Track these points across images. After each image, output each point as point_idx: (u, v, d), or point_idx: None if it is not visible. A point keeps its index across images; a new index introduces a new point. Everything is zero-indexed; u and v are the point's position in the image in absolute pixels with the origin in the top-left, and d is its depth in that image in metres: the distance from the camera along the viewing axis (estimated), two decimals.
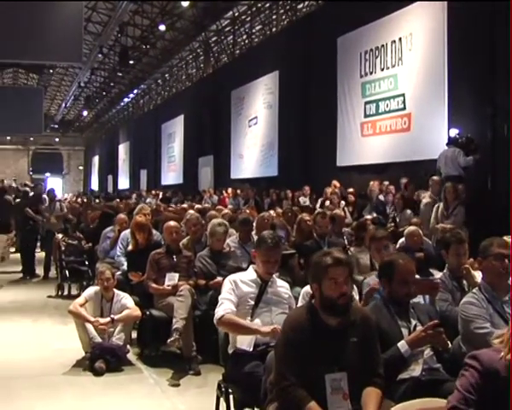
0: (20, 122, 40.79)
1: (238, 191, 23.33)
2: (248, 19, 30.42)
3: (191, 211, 14.14)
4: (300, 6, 26.14)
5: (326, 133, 20.38)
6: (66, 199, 34.74)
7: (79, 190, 57.64)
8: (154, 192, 31.86)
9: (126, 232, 10.81)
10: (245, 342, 5.39)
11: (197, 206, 17.89)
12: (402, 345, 4.63)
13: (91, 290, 8.74)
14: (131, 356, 8.66)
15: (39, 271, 16.77)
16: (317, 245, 9.50)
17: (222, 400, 5.67)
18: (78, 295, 11.62)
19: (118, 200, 25.39)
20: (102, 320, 8.28)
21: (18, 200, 19.49)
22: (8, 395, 7.18)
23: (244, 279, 5.69)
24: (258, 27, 30.76)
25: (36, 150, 67.26)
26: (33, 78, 48.40)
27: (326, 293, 4.15)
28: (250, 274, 5.75)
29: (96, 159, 63.44)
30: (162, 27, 30.32)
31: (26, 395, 7.23)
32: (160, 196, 28.30)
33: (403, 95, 17.01)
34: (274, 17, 28.34)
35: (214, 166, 30.85)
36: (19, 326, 10.94)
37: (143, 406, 6.98)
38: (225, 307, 5.51)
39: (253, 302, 5.58)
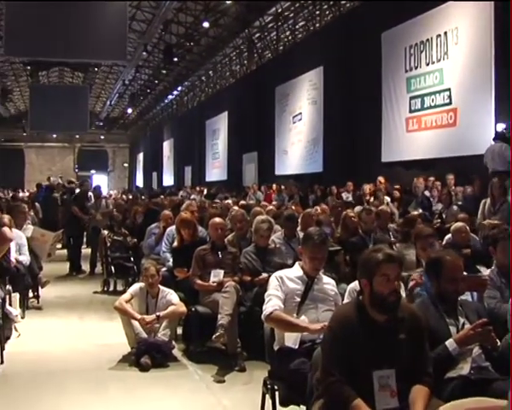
0: (66, 120, 41.64)
1: (282, 187, 23.30)
2: (292, 15, 30.34)
3: (235, 207, 14.19)
4: (344, 1, 25.99)
5: (371, 129, 20.27)
6: (111, 196, 34.98)
7: (124, 187, 58.06)
8: (198, 189, 31.95)
9: (172, 228, 10.84)
10: (291, 339, 5.37)
11: (241, 202, 17.91)
12: (450, 343, 4.57)
13: (137, 287, 8.78)
14: (177, 352, 8.69)
15: (85, 267, 16.92)
16: (362, 242, 9.45)
17: (267, 396, 5.64)
18: (123, 291, 11.74)
19: (162, 196, 25.51)
20: (148, 318, 8.32)
21: (64, 197, 19.73)
22: (58, 389, 7.27)
23: (290, 276, 5.67)
24: (301, 23, 30.66)
25: (81, 148, 67.96)
26: (78, 76, 48.87)
27: (377, 289, 4.11)
28: (296, 271, 5.72)
29: (140, 156, 63.86)
30: (206, 24, 30.41)
31: (76, 388, 7.32)
32: (205, 193, 28.36)
33: (448, 89, 16.83)
34: (317, 13, 28.22)
35: (258, 163, 30.86)
36: (65, 322, 11.04)
37: (189, 401, 7.00)
38: (273, 303, 5.48)
39: (299, 299, 5.55)
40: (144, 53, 34.48)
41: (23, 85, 51.09)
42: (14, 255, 10.24)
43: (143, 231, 12.80)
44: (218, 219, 9.19)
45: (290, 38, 31.57)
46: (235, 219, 10.15)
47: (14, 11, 24.96)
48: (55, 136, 64.05)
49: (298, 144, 26.35)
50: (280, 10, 30.26)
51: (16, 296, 9.89)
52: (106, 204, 17.74)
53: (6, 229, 6.00)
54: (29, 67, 41.63)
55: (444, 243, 9.30)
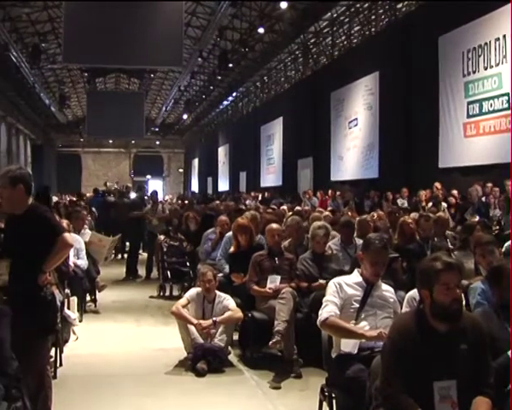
0: (123, 126, 42.13)
1: (337, 193, 23.21)
2: (347, 20, 30.19)
3: (289, 213, 14.18)
4: (400, 5, 25.77)
5: (427, 134, 20.07)
6: (166, 201, 35.26)
7: (179, 192, 58.44)
8: (253, 194, 32.00)
9: (229, 234, 10.85)
10: (349, 346, 5.33)
11: (297, 208, 17.89)
12: None
13: (193, 292, 8.81)
14: (233, 358, 8.71)
15: (141, 272, 17.07)
16: (420, 248, 9.37)
17: (325, 404, 5.60)
18: (179, 296, 11.84)
19: (218, 202, 25.60)
20: (205, 323, 8.35)
21: (124, 200, 19.96)
22: (114, 392, 7.36)
23: (349, 282, 5.63)
24: (356, 28, 30.48)
25: (137, 153, 68.63)
26: (135, 82, 49.32)
27: (438, 299, 4.04)
28: (355, 277, 5.68)
29: (195, 161, 64.17)
30: (261, 30, 30.42)
31: (132, 392, 7.41)
32: (260, 198, 28.39)
33: (507, 94, 16.56)
34: (373, 17, 28.04)
35: (314, 168, 30.78)
36: (122, 326, 11.15)
37: (245, 407, 7.02)
38: (329, 309, 5.45)
39: (357, 305, 5.51)
40: (199, 59, 34.71)
41: (80, 92, 51.80)
42: (72, 260, 10.38)
43: (199, 237, 12.85)
44: (274, 226, 9.18)
45: (345, 43, 31.39)
46: (292, 227, 10.12)
47: (72, 20, 25.32)
48: (111, 141, 64.84)
49: (353, 150, 26.22)
50: (335, 15, 30.14)
51: (74, 300, 10.00)
52: (162, 209, 17.85)
53: (67, 234, 6.04)
54: (86, 74, 42.14)
55: (503, 250, 9.14)
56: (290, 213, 15.08)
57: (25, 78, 38.40)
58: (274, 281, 8.44)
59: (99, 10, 24.96)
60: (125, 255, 18.46)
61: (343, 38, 31.69)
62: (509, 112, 16.49)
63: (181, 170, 70.40)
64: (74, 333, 9.67)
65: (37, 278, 5.74)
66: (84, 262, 11.13)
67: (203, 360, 8.05)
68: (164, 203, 21.59)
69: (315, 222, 9.44)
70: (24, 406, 5.19)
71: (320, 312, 5.52)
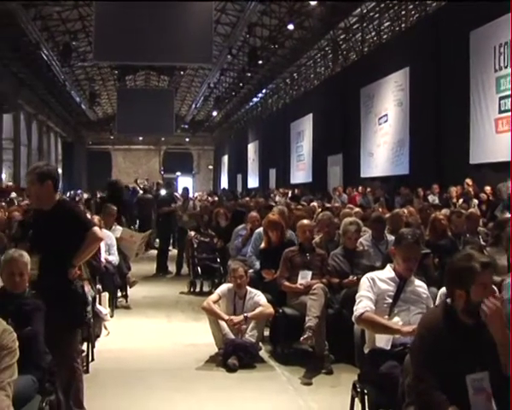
0: (153, 123, 42.29)
1: (368, 190, 23.13)
2: (377, 15, 30.03)
3: (319, 209, 14.14)
4: (430, 1, 25.59)
5: (458, 130, 19.89)
6: (196, 198, 35.37)
7: (209, 189, 58.57)
8: (281, 190, 31.97)
9: (260, 230, 10.86)
10: (382, 341, 5.29)
11: (326, 205, 17.86)
12: None
13: (224, 287, 8.84)
14: (263, 353, 8.72)
15: (172, 268, 17.13)
16: (452, 245, 9.29)
17: (357, 400, 5.58)
18: (209, 292, 11.89)
19: (247, 198, 25.63)
20: (236, 319, 8.37)
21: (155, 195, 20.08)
22: (146, 386, 7.40)
23: (382, 277, 5.60)
24: (386, 24, 30.31)
25: (167, 150, 68.82)
26: (164, 80, 49.47)
27: (475, 298, 4.01)
28: (388, 272, 5.65)
29: (225, 158, 64.24)
30: (291, 27, 30.36)
31: (163, 386, 7.45)
32: (289, 195, 28.36)
33: None
34: (403, 13, 27.87)
35: (343, 165, 30.70)
36: (153, 321, 11.22)
37: (276, 402, 7.01)
38: (364, 304, 5.43)
39: (390, 301, 5.49)
40: (229, 56, 34.69)
41: (110, 89, 52.10)
42: (103, 255, 10.46)
43: (230, 233, 12.86)
44: (306, 221, 9.18)
45: (375, 38, 31.25)
46: (323, 222, 10.11)
47: (102, 18, 25.47)
48: (141, 139, 65.10)
49: (383, 146, 26.09)
50: (365, 11, 30.01)
51: (106, 296, 10.09)
52: (193, 206, 17.89)
53: (97, 228, 6.10)
54: (116, 72, 42.36)
55: None
56: (320, 209, 15.06)
57: (56, 76, 38.65)
58: (305, 277, 8.44)
59: (129, 8, 25.08)
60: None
61: (373, 33, 31.54)
62: None
63: (210, 167, 70.53)
64: (106, 328, 9.74)
65: (67, 272, 5.80)
66: (115, 258, 11.21)
67: (234, 356, 8.07)
68: (195, 200, 21.57)
69: (346, 218, 9.42)
70: (57, 399, 5.25)
71: (355, 307, 5.50)
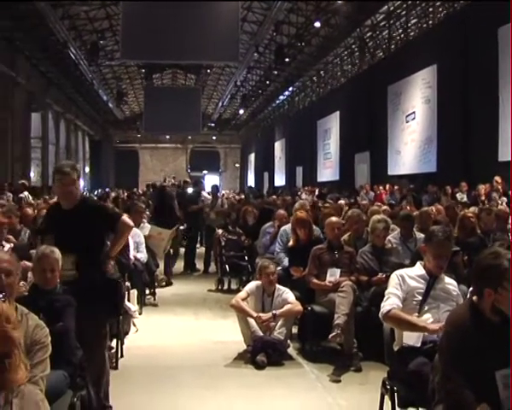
0: (180, 121, 42.40)
1: (395, 187, 23.04)
2: (404, 13, 29.91)
3: (347, 207, 14.11)
4: None
5: (487, 127, 19.74)
6: (223, 195, 35.40)
7: (236, 187, 58.70)
8: (307, 188, 31.95)
9: (285, 228, 10.88)
10: (412, 339, 5.27)
11: (353, 202, 17.81)
12: None
13: (253, 285, 8.85)
14: (292, 351, 8.73)
15: (199, 265, 17.18)
16: (481, 242, 9.23)
17: (386, 397, 5.54)
18: (237, 290, 11.91)
19: (274, 196, 25.63)
20: (264, 316, 8.38)
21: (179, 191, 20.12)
22: (174, 383, 7.44)
23: (411, 274, 5.57)
24: (413, 21, 30.18)
25: (194, 149, 69.00)
26: (191, 78, 49.56)
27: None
28: (418, 269, 5.61)
29: (252, 156, 64.29)
30: (317, 24, 30.30)
31: (192, 383, 7.48)
32: (316, 193, 28.33)
33: None
34: (430, 10, 27.73)
35: (371, 163, 30.61)
36: (181, 318, 11.27)
37: (305, 400, 7.01)
38: (392, 302, 5.40)
39: (420, 298, 5.45)
40: (256, 54, 34.71)
41: (137, 88, 52.28)
42: (132, 253, 10.51)
43: (257, 231, 12.88)
44: (334, 219, 9.18)
45: (402, 36, 31.11)
46: (352, 219, 10.06)
47: (130, 16, 25.60)
48: (168, 137, 65.30)
49: (411, 144, 25.98)
50: (392, 8, 29.89)
51: (134, 293, 10.16)
52: (221, 203, 17.90)
53: (125, 217, 6.20)
54: (143, 70, 42.53)
55: None
56: (347, 207, 15.04)
57: (83, 75, 38.93)
58: (334, 274, 8.44)
59: (156, 6, 25.18)
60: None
61: (400, 31, 31.41)
62: None
63: (237, 165, 70.60)
64: (134, 325, 9.79)
65: (103, 266, 5.88)
66: (143, 256, 11.28)
67: (263, 353, 8.08)
68: (223, 198, 21.54)
69: (374, 215, 9.40)
70: (88, 394, 5.30)
71: (382, 304, 5.47)
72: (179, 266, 17.15)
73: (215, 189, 18.80)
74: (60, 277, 5.57)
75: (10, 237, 9.64)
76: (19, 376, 2.81)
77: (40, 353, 4.03)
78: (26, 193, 20.17)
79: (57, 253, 5.45)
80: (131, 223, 6.37)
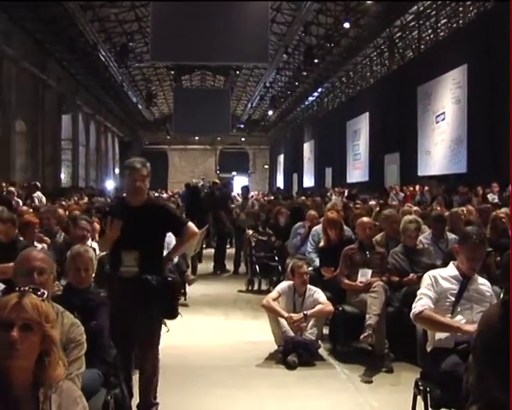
0: (209, 123, 42.54)
1: (425, 188, 22.93)
2: (434, 13, 29.78)
3: (377, 208, 14.05)
4: None
5: None
6: (252, 196, 35.44)
7: (265, 189, 58.74)
8: (338, 190, 31.88)
9: (317, 228, 10.87)
10: (445, 339, 5.25)
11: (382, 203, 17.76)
12: None
13: (284, 285, 8.86)
14: (323, 351, 8.70)
15: (229, 266, 17.20)
16: None
17: (419, 398, 5.51)
18: (268, 291, 11.92)
19: (304, 197, 25.61)
20: (295, 316, 8.37)
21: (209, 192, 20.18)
22: (206, 383, 7.44)
23: (444, 275, 5.53)
24: (443, 21, 30.04)
25: (223, 150, 69.16)
26: (220, 79, 49.73)
27: None
28: (450, 270, 5.57)
29: (281, 157, 64.31)
30: (347, 25, 30.25)
31: (224, 383, 7.49)
32: (346, 194, 28.27)
33: None
34: (460, 9, 27.57)
35: (400, 163, 30.49)
36: (212, 319, 11.28)
37: (337, 400, 6.99)
38: (423, 302, 5.36)
39: (453, 299, 5.41)
40: (285, 55, 34.70)
41: (167, 90, 52.57)
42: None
43: (288, 231, 12.88)
44: (366, 219, 9.15)
45: (432, 36, 30.99)
46: (391, 219, 9.91)
47: (159, 18, 25.71)
48: (197, 138, 65.53)
49: (441, 144, 25.86)
50: (421, 8, 29.78)
51: None
52: (252, 204, 17.91)
53: (192, 224, 6.28)
54: (172, 72, 42.69)
55: None
56: (378, 208, 14.99)
57: (113, 77, 39.19)
58: (365, 275, 8.40)
59: (185, 8, 25.26)
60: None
61: (430, 31, 31.30)
62: None
63: (266, 166, 70.65)
64: (166, 325, 9.79)
65: (162, 266, 5.96)
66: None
67: (294, 353, 8.07)
68: (253, 199, 21.56)
69: (406, 216, 9.36)
70: (122, 393, 5.33)
71: (414, 305, 5.45)
72: (209, 266, 17.23)
73: (245, 190, 18.83)
74: (121, 273, 5.73)
75: (44, 237, 9.76)
76: (57, 372, 2.86)
77: (76, 350, 4.07)
78: (38, 193, 20.23)
79: (91, 252, 5.51)
80: (197, 230, 6.44)
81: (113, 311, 5.57)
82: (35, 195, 19.58)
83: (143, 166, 6.03)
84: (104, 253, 7.64)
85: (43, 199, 19.92)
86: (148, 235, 5.89)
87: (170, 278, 6.01)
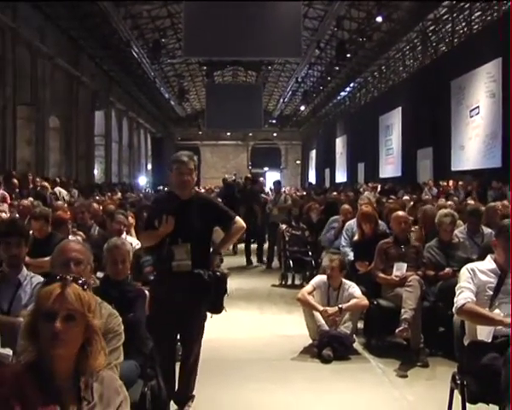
0: (241, 118, 42.60)
1: (459, 183, 22.76)
2: (467, 6, 29.50)
3: (411, 203, 13.97)
4: None
5: None
6: (284, 191, 35.45)
7: (297, 184, 58.71)
8: (370, 185, 31.76)
9: (351, 222, 10.85)
10: (483, 333, 5.20)
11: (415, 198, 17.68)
12: None
13: (319, 279, 8.87)
14: (357, 345, 8.71)
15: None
16: None
17: (456, 392, 5.45)
18: (301, 286, 11.94)
19: (335, 193, 25.56)
20: (330, 310, 8.37)
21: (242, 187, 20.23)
22: (242, 376, 7.51)
23: (482, 268, 5.47)
24: (477, 14, 29.76)
25: (255, 145, 69.18)
26: (252, 75, 49.73)
27: None
28: (488, 263, 5.51)
29: (313, 153, 64.17)
30: (379, 19, 30.09)
31: (259, 376, 7.53)
32: (379, 189, 28.15)
33: None
34: (494, 2, 27.29)
35: (434, 158, 30.28)
36: (246, 313, 11.30)
37: (372, 394, 6.98)
38: (465, 295, 5.30)
39: (491, 293, 5.35)
40: (317, 50, 34.61)
41: (199, 85, 52.73)
42: None
43: (321, 226, 12.90)
44: (401, 213, 9.12)
45: (466, 29, 30.70)
46: (429, 214, 9.79)
47: (192, 13, 25.78)
48: (229, 134, 65.61)
49: (475, 139, 25.62)
50: (454, 1, 29.51)
51: None
52: (285, 199, 17.89)
53: (239, 218, 6.34)
54: (205, 68, 42.78)
55: None
56: (412, 203, 14.94)
57: (145, 73, 39.38)
58: (400, 269, 8.36)
59: (218, 4, 25.31)
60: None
61: (463, 24, 31.00)
62: None
63: (298, 162, 70.54)
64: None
65: (210, 259, 6.01)
66: None
67: (329, 347, 8.09)
68: (286, 194, 21.52)
69: (441, 210, 9.29)
70: (158, 384, 5.36)
71: (455, 298, 5.37)
72: (242, 260, 17.37)
73: (277, 185, 18.83)
74: (173, 267, 5.81)
75: (78, 231, 9.85)
76: (98, 361, 2.88)
77: (114, 341, 4.11)
78: (58, 188, 20.23)
79: (128, 245, 5.55)
80: (244, 224, 6.47)
81: (159, 304, 5.63)
82: (56, 189, 19.63)
83: (190, 159, 6.06)
84: (139, 246, 7.73)
85: (64, 193, 19.92)
86: (197, 228, 5.94)
87: (218, 273, 6.03)
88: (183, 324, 6.01)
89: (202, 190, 34.99)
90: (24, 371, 2.81)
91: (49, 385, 2.80)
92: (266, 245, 17.70)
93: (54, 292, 2.82)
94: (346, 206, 12.52)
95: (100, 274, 6.20)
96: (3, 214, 11.43)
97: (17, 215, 11.14)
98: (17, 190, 17.70)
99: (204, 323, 6.23)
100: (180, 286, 5.78)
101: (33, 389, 2.75)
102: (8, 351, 4.50)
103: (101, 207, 13.24)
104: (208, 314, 6.20)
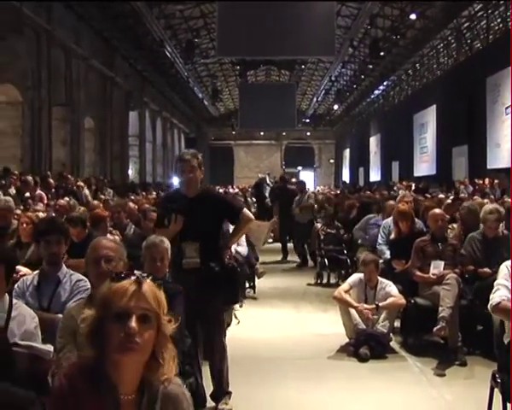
0: (275, 117, 42.65)
1: (496, 181, 22.55)
2: (502, 2, 29.20)
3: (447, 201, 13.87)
4: None
5: None
6: (318, 191, 35.47)
7: (331, 183, 58.64)
8: (405, 183, 31.58)
9: (387, 220, 10.79)
10: None
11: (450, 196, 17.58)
12: None
13: (356, 277, 8.83)
14: (394, 344, 8.65)
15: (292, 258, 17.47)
16: None
17: (496, 391, 5.40)
18: (336, 284, 11.93)
19: (369, 191, 25.49)
20: (368, 306, 8.33)
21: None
22: (277, 375, 7.48)
23: None
24: None
25: (288, 145, 69.12)
26: (285, 74, 49.73)
27: None
28: None
29: (346, 152, 64.07)
30: (413, 16, 29.92)
31: (295, 375, 7.52)
32: (413, 188, 27.99)
33: None
34: None
35: (469, 156, 30.03)
36: (281, 311, 11.32)
37: (409, 393, 6.94)
38: (501, 293, 5.24)
39: None
40: (350, 48, 34.50)
41: (232, 85, 52.80)
42: (233, 246, 10.61)
43: (356, 224, 12.88)
44: (438, 211, 9.05)
45: (501, 25, 30.42)
46: (472, 212, 9.67)
47: (225, 13, 25.83)
48: (262, 134, 65.62)
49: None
50: None
51: None
52: (308, 197, 17.78)
53: (246, 209, 6.37)
54: (238, 68, 42.86)
55: None
56: (449, 200, 14.83)
57: (179, 73, 39.53)
58: (437, 267, 8.29)
59: (251, 3, 25.34)
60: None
61: (498, 20, 30.70)
62: None
63: (332, 161, 70.39)
64: (236, 317, 9.88)
65: (221, 254, 6.08)
66: (244, 249, 11.43)
67: (365, 346, 8.05)
68: (312, 193, 21.45)
69: (486, 206, 9.14)
70: (196, 382, 5.37)
71: (491, 296, 5.32)
72: (276, 259, 17.57)
73: (302, 185, 18.83)
74: (184, 265, 5.87)
75: (113, 230, 9.91)
76: (170, 372, 2.57)
77: None
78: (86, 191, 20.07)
79: (166, 242, 5.57)
80: (252, 216, 6.48)
81: None
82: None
83: (193, 157, 6.10)
84: None
85: (87, 192, 19.90)
86: (206, 225, 5.98)
87: (229, 264, 6.08)
88: (200, 319, 6.04)
89: (236, 190, 35.25)
90: (78, 376, 2.50)
91: (107, 399, 2.49)
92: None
93: (129, 289, 2.49)
94: (391, 202, 12.27)
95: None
96: (40, 214, 11.51)
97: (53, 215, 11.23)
98: (53, 189, 17.85)
99: (223, 317, 6.30)
100: (192, 283, 5.81)
101: (89, 401, 2.46)
102: (49, 347, 4.52)
103: (136, 207, 13.30)
104: (235, 320, 6.27)
